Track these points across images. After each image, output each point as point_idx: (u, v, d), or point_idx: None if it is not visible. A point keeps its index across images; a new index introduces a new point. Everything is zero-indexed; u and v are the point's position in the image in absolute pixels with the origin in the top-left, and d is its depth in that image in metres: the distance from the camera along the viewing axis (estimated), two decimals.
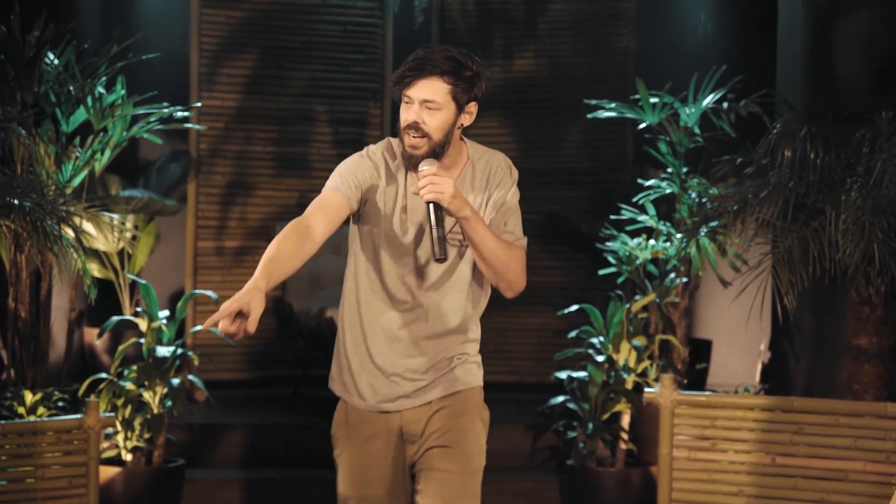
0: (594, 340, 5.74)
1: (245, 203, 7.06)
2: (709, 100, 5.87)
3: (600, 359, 5.67)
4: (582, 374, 5.69)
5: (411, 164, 3.04)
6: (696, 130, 5.92)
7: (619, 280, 6.10)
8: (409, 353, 3.15)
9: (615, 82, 6.99)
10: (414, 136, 3.01)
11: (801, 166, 4.99)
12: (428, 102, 3.00)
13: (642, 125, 6.05)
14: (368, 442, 3.15)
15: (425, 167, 2.97)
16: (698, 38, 7.37)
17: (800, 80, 5.83)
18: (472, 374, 3.24)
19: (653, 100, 5.91)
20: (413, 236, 3.11)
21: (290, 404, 6.60)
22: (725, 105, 5.85)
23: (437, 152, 3.03)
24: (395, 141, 3.14)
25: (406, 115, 3.02)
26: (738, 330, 6.22)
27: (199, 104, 6.73)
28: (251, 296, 2.73)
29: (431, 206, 2.95)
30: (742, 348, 6.89)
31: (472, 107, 3.08)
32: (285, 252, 2.89)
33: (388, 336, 3.13)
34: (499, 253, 3.04)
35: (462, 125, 3.07)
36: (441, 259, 2.94)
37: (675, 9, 7.48)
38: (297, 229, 2.94)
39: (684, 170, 5.94)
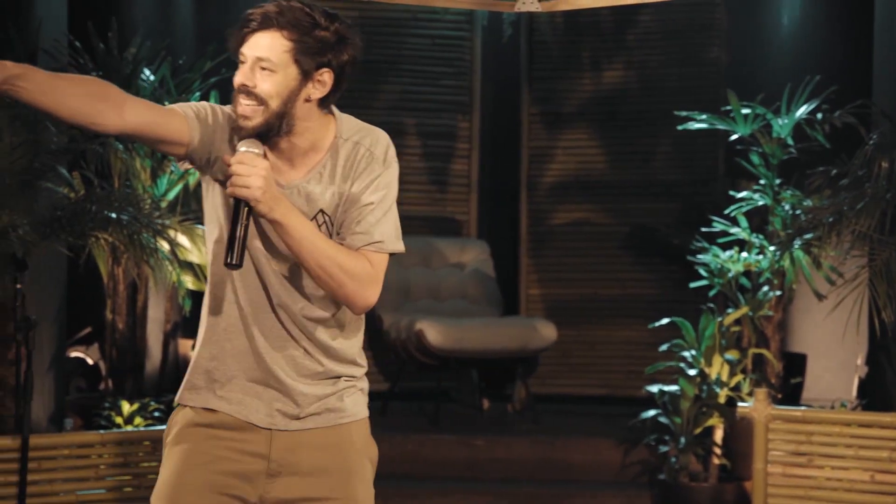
0: (686, 354, 5.68)
1: None
2: (802, 110, 5.78)
3: (692, 372, 5.61)
4: (673, 387, 5.63)
5: (241, 137, 2.43)
6: (790, 142, 5.84)
7: (711, 293, 6.04)
8: None
9: (706, 94, 6.93)
10: (245, 103, 2.42)
11: None
12: (262, 61, 2.41)
13: (734, 136, 5.98)
14: None
15: (241, 148, 2.39)
16: (791, 49, 7.27)
17: None
18: None
19: (745, 111, 5.85)
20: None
21: (381, 417, 6.63)
22: (819, 116, 5.76)
23: (276, 126, 2.43)
24: None
25: (237, 76, 2.44)
26: (834, 344, 6.11)
27: None
28: None
29: (234, 200, 2.39)
30: (838, 362, 6.76)
31: (324, 75, 2.44)
32: (76, 87, 2.37)
33: None
34: (325, 264, 2.40)
35: (311, 98, 2.44)
36: (233, 266, 2.38)
37: (766, 19, 7.38)
38: (111, 89, 2.41)
39: (777, 181, 5.86)
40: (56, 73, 2.35)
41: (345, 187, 2.49)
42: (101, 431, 4.50)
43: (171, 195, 5.85)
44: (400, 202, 7.62)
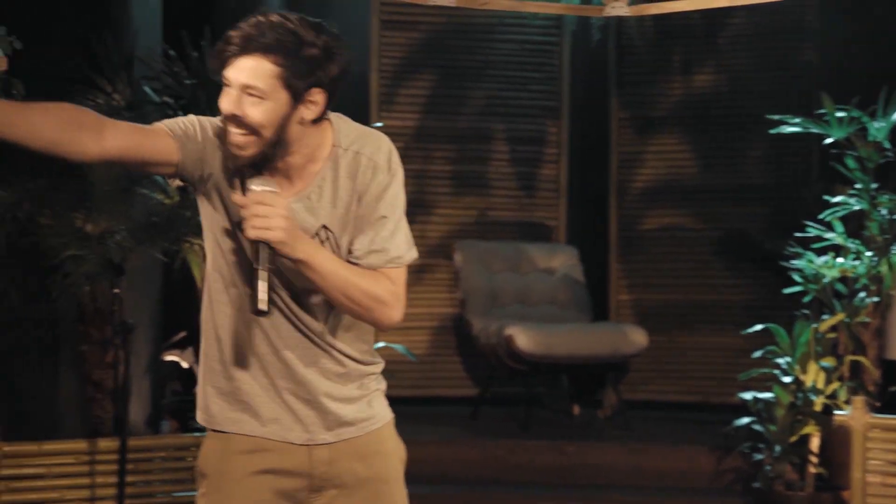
0: (780, 361, 5.60)
1: (424, 222, 7.14)
2: None
3: (787, 380, 5.52)
4: (768, 395, 5.55)
5: (235, 166, 2.32)
6: (886, 145, 5.73)
7: (806, 299, 5.94)
8: None
9: (798, 97, 6.83)
10: (236, 132, 2.28)
11: None
12: (248, 88, 2.26)
13: (828, 140, 5.89)
14: None
15: (255, 188, 2.27)
16: (885, 50, 7.13)
17: None
18: None
19: (839, 114, 5.75)
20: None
21: (471, 422, 6.63)
22: None
23: (272, 154, 2.30)
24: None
25: (223, 102, 2.28)
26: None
27: (379, 124, 6.83)
28: None
29: (254, 243, 2.27)
30: None
31: (316, 94, 2.30)
32: (48, 115, 2.19)
33: None
34: (351, 292, 2.33)
35: (304, 119, 2.31)
36: (263, 313, 2.29)
37: (860, 21, 7.24)
38: (86, 114, 2.24)
39: (874, 186, 5.75)
40: (24, 102, 2.21)
41: (350, 202, 2.37)
42: (196, 434, 4.55)
43: None
44: (487, 207, 7.57)
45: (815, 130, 5.83)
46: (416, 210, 7.14)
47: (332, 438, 2.47)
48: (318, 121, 2.33)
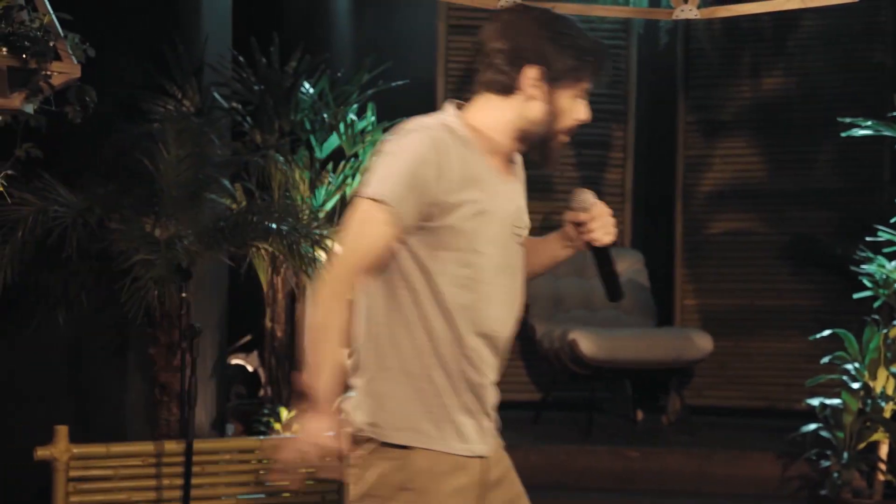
0: (848, 367, 5.53)
1: None
2: None
3: (855, 386, 5.45)
4: (836, 401, 5.48)
5: (550, 164, 2.59)
6: None
7: (876, 304, 5.85)
8: None
9: (870, 99, 6.74)
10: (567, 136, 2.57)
11: None
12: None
13: None
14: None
15: (590, 199, 2.59)
16: None
17: None
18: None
19: None
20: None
21: (533, 427, 6.62)
22: None
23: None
24: (452, 121, 2.52)
25: (580, 110, 2.56)
26: None
27: None
28: None
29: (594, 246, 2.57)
30: None
31: None
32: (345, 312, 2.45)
33: None
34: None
35: None
36: (621, 298, 2.61)
37: None
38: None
39: None
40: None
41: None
42: (261, 437, 4.60)
43: (329, 206, 5.96)
44: (553, 211, 7.54)
45: (886, 133, 5.75)
46: None
47: (497, 444, 2.59)
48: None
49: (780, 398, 6.83)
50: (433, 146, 2.42)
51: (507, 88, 2.51)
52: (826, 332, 5.76)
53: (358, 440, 2.47)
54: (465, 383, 2.47)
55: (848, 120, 5.88)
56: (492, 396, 2.53)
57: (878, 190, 6.74)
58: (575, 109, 2.53)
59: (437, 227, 2.43)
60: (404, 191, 2.38)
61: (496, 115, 2.53)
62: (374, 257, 2.41)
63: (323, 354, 2.36)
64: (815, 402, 5.58)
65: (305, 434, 2.35)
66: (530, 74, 2.50)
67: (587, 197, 2.56)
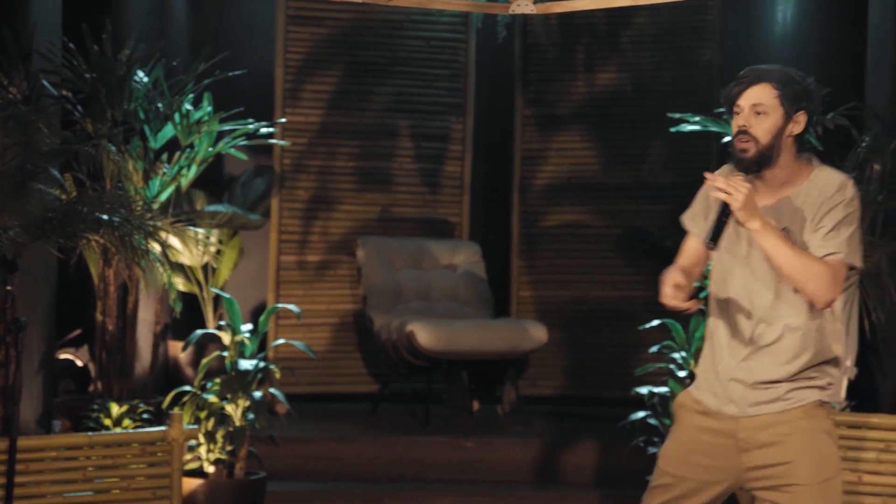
0: (675, 356, 5.68)
1: (327, 218, 7.12)
2: None
3: (682, 374, 5.60)
4: (663, 389, 5.63)
5: (741, 167, 3.21)
6: None
7: (702, 294, 6.02)
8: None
9: (699, 95, 6.93)
10: (742, 141, 3.18)
11: (890, 180, 4.90)
12: (756, 106, 3.17)
13: (727, 139, 5.98)
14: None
15: (736, 175, 3.17)
16: (784, 51, 7.27)
17: (889, 93, 5.72)
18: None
19: None
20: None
21: (371, 418, 6.64)
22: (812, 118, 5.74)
23: (766, 156, 3.19)
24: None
25: (735, 122, 3.21)
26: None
27: (283, 120, 6.81)
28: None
29: (723, 204, 3.15)
30: None
31: (801, 116, 3.20)
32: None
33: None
34: (794, 264, 3.13)
35: (792, 133, 3.19)
36: (711, 246, 3.18)
37: (759, 20, 7.39)
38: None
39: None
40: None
41: (817, 213, 3.16)
42: (90, 433, 4.49)
43: (163, 197, 5.85)
44: (391, 203, 7.50)
45: (713, 129, 5.92)
46: (320, 206, 7.13)
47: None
48: (801, 149, 3.23)
49: (611, 387, 6.97)
50: None
51: None
52: (655, 323, 5.90)
53: None
54: None
55: (677, 116, 6.04)
56: None
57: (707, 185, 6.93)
58: None
59: None
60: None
61: None
62: None
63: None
64: (643, 390, 5.72)
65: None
66: None
67: (741, 177, 3.15)
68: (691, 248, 3.42)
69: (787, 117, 3.18)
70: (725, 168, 3.34)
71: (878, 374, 5.94)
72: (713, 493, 3.29)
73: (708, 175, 3.19)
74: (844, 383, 6.57)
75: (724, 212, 3.14)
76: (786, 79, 3.20)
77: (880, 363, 5.91)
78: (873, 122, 5.47)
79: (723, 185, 3.12)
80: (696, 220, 3.40)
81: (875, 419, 4.55)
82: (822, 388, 3.25)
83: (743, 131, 3.18)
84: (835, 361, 3.25)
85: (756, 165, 3.19)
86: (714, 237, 3.16)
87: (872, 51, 6.07)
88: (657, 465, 3.39)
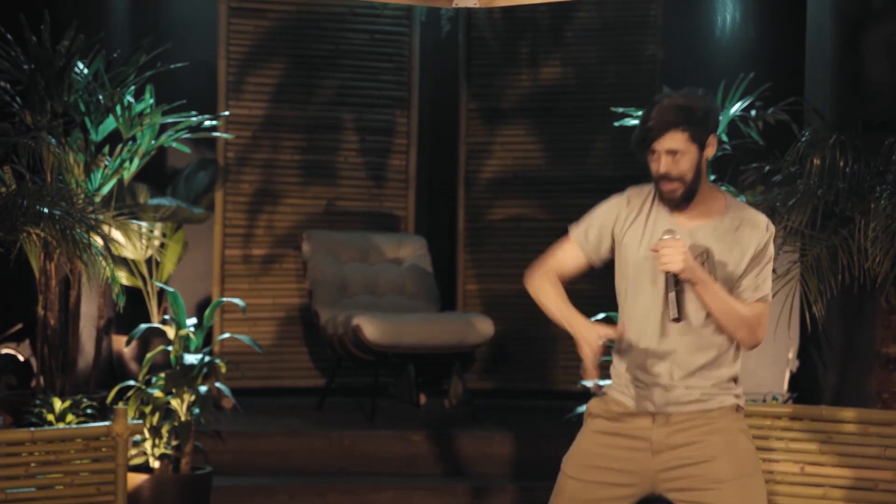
0: None
1: (272, 211, 7.09)
2: (736, 107, 5.84)
3: None
4: (607, 381, 5.66)
5: (673, 205, 3.28)
6: (724, 138, 5.89)
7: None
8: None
9: (643, 90, 6.98)
10: (667, 184, 3.24)
11: (830, 174, 4.96)
12: (671, 152, 3.21)
13: None
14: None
15: (665, 237, 3.19)
16: (726, 46, 7.35)
17: (829, 88, 5.80)
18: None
19: None
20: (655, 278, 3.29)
21: (317, 413, 6.62)
22: (753, 113, 5.82)
23: (693, 189, 3.24)
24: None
25: (655, 166, 3.25)
26: (767, 338, 6.17)
27: (226, 113, 6.76)
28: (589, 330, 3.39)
29: (671, 276, 3.20)
30: (770, 357, 6.84)
31: (711, 139, 3.26)
32: (558, 290, 3.43)
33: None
34: (731, 317, 3.22)
35: (707, 157, 3.26)
36: (677, 320, 3.19)
37: (701, 16, 7.46)
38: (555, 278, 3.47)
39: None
40: (559, 295, 3.47)
41: (733, 248, 3.24)
42: (32, 429, 4.43)
43: (105, 190, 5.79)
44: (336, 197, 7.45)
45: None
46: (264, 199, 7.09)
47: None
48: (720, 188, 3.39)
49: (558, 380, 7.02)
50: None
51: None
52: (601, 316, 5.94)
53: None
54: None
55: (620, 110, 6.08)
56: None
57: (649, 177, 6.97)
58: None
59: None
60: None
61: None
62: None
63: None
64: (588, 383, 5.74)
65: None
66: None
67: (667, 234, 3.20)
68: (572, 259, 3.45)
69: (701, 148, 3.23)
70: (635, 189, 3.42)
71: (820, 367, 6.03)
72: (624, 500, 3.34)
73: (651, 247, 3.23)
74: (787, 375, 6.68)
75: (676, 282, 3.19)
76: (689, 116, 3.21)
77: (821, 356, 6.00)
78: (813, 118, 5.54)
79: (661, 254, 3.17)
80: (587, 236, 3.42)
81: (816, 411, 4.61)
82: (737, 395, 3.32)
83: (665, 176, 3.23)
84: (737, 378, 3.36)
85: (686, 201, 3.25)
86: (680, 311, 3.20)
87: (811, 46, 6.15)
88: (561, 470, 3.48)
